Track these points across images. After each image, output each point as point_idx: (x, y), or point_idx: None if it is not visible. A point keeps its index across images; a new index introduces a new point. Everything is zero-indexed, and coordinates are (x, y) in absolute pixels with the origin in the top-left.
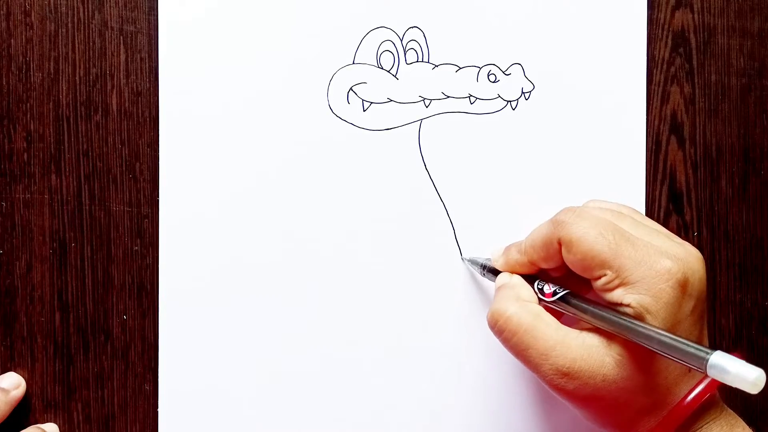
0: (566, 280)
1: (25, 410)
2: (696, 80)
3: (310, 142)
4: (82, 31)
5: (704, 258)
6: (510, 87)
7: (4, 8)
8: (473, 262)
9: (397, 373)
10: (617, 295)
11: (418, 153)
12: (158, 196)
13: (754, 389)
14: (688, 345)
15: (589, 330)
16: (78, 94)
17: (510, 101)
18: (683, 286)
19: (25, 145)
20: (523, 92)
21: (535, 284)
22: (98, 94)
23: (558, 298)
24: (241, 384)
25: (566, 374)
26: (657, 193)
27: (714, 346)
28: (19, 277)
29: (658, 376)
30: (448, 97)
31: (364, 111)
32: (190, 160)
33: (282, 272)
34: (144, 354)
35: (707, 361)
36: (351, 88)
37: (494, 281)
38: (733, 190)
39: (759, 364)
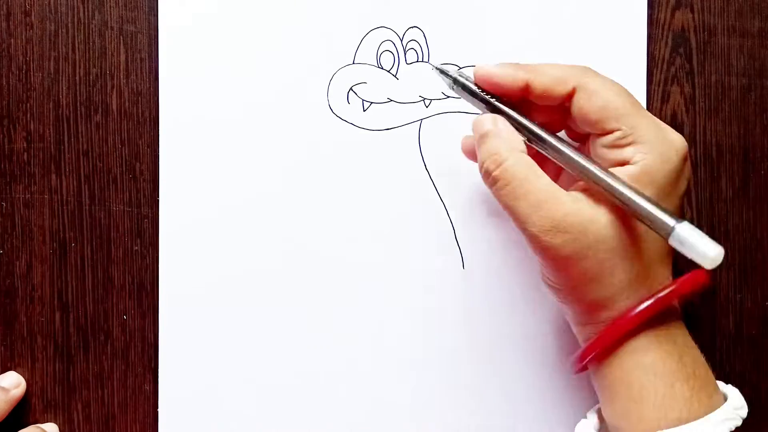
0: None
1: (25, 410)
2: (696, 80)
3: (310, 142)
4: (82, 31)
5: None
6: None
7: (4, 8)
8: (443, 71)
9: (398, 374)
10: (627, 153)
11: (418, 153)
12: (158, 196)
13: (712, 264)
14: (659, 209)
15: (579, 190)
16: (78, 94)
17: None
18: (684, 159)
19: (25, 145)
20: None
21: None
22: (98, 94)
23: (547, 147)
24: (241, 384)
25: (555, 226)
26: None
27: (714, 346)
28: (19, 277)
29: (643, 244)
30: (449, 97)
31: (364, 111)
32: (190, 160)
33: (282, 272)
34: (144, 354)
35: (673, 228)
36: (351, 88)
37: (468, 100)
38: (734, 190)
39: (759, 364)
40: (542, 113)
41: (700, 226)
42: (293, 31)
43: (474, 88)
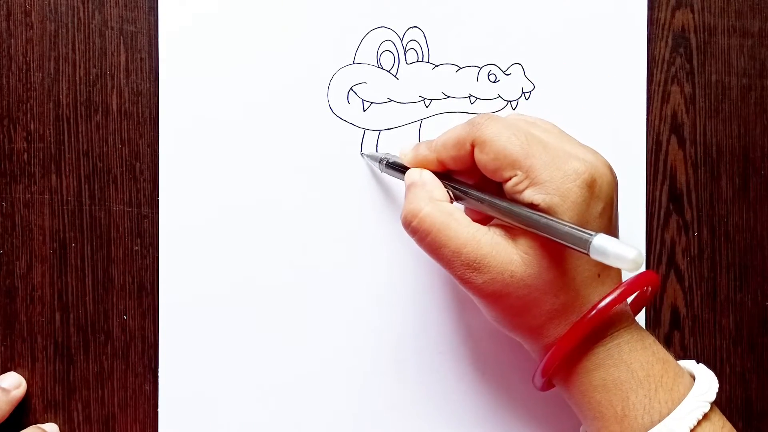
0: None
1: (25, 410)
2: (696, 80)
3: (310, 142)
4: (82, 31)
5: (705, 258)
6: (510, 87)
7: (4, 8)
8: (372, 157)
9: (396, 373)
10: (527, 196)
11: None
12: (158, 196)
13: (634, 266)
14: (573, 228)
15: (498, 226)
16: (78, 94)
17: (510, 101)
18: (591, 186)
19: (25, 145)
20: (523, 92)
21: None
22: (98, 94)
23: (464, 196)
24: (241, 384)
25: (476, 269)
26: (657, 192)
27: (714, 346)
28: (19, 277)
29: (566, 276)
30: (449, 97)
31: (364, 111)
32: (190, 160)
33: (282, 272)
34: (144, 354)
35: (590, 243)
36: (351, 88)
37: (396, 176)
38: (734, 190)
39: (759, 364)
40: (464, 175)
41: (700, 226)
42: (293, 31)
43: (402, 164)
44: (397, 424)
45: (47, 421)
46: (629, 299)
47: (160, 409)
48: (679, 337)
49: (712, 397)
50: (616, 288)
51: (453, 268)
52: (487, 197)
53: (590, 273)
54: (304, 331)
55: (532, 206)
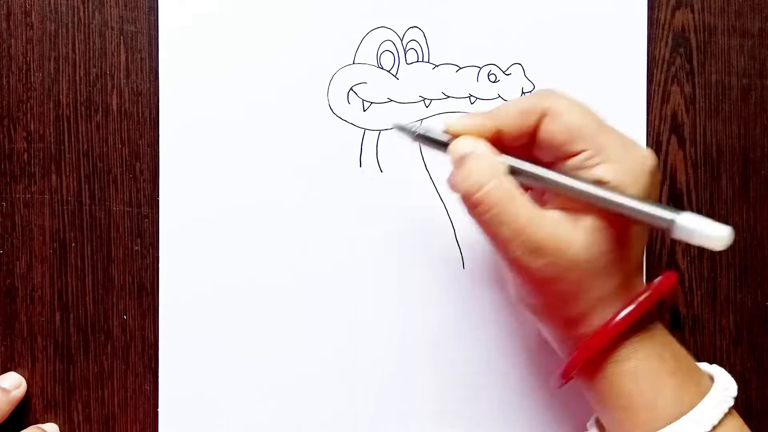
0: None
1: (25, 410)
2: (696, 80)
3: (310, 142)
4: (82, 31)
5: (705, 258)
6: (510, 87)
7: (4, 8)
8: (403, 129)
9: (397, 374)
10: (598, 172)
11: (418, 153)
12: (158, 196)
13: (723, 245)
14: (656, 205)
15: (558, 209)
16: (78, 94)
17: None
18: (654, 175)
19: (25, 145)
20: (523, 92)
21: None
22: (98, 94)
23: (514, 169)
24: (241, 384)
25: (535, 251)
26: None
27: (714, 346)
28: (19, 277)
29: (623, 260)
30: (449, 97)
31: (364, 111)
32: (190, 160)
33: (282, 272)
34: (144, 354)
35: (674, 221)
36: (351, 88)
37: (432, 147)
38: (734, 190)
39: (759, 364)
40: (517, 151)
41: None
42: (293, 31)
43: (441, 138)
44: (398, 424)
45: (47, 421)
46: None
47: (160, 409)
48: (679, 337)
49: (734, 393)
50: (663, 275)
51: (509, 248)
52: (553, 173)
53: (638, 260)
54: (304, 331)
55: (599, 183)
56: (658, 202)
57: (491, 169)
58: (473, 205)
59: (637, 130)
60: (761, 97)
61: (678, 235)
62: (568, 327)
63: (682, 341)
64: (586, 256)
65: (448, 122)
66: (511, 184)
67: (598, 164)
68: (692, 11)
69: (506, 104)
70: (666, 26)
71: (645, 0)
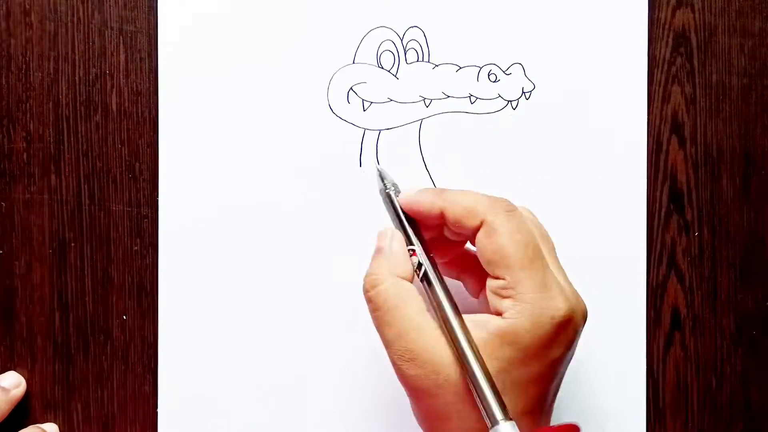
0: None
1: (25, 410)
2: (697, 80)
3: (310, 142)
4: (82, 31)
5: (706, 258)
6: (510, 87)
7: (4, 8)
8: (383, 174)
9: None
10: (504, 305)
11: (418, 153)
12: (158, 196)
13: None
14: (493, 397)
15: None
16: (78, 94)
17: (510, 101)
18: (561, 328)
19: (24, 145)
20: (523, 92)
21: (408, 248)
22: (98, 94)
23: (421, 277)
24: (241, 384)
25: (411, 359)
26: (658, 193)
27: (714, 346)
28: (19, 277)
29: None
30: (449, 96)
31: (364, 111)
32: (190, 160)
33: (282, 272)
34: (144, 354)
35: (497, 425)
36: (351, 88)
37: (387, 210)
38: (734, 190)
39: (759, 364)
40: (450, 243)
41: (701, 226)
42: (293, 31)
43: (398, 206)
44: (398, 425)
45: (47, 421)
46: None
47: (159, 410)
48: (679, 337)
49: None
50: (565, 427)
51: (390, 350)
52: (443, 301)
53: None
54: (303, 331)
55: (497, 314)
56: (498, 396)
57: (389, 271)
58: (368, 300)
59: (638, 130)
60: (762, 96)
61: None
62: None
63: (683, 341)
64: (457, 384)
65: (403, 194)
66: (405, 290)
67: (507, 297)
68: (693, 11)
69: (461, 193)
70: (666, 26)
71: (645, 0)
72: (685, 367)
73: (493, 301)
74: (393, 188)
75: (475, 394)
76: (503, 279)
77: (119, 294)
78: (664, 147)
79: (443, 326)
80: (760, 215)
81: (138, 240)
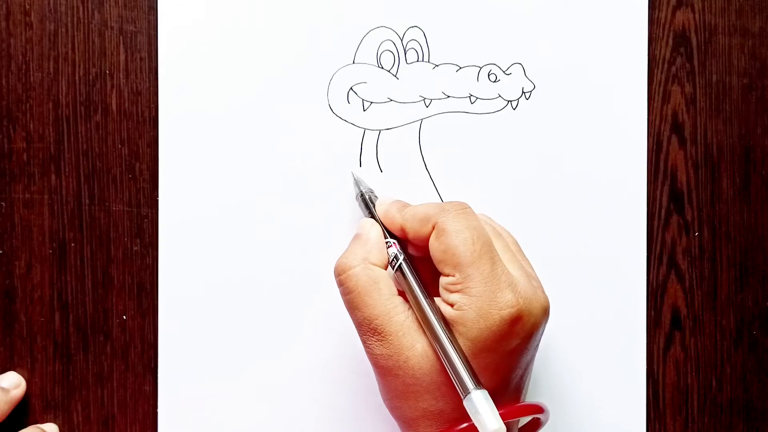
0: (426, 262)
1: (25, 410)
2: (697, 80)
3: (310, 142)
4: (82, 31)
5: (706, 258)
6: (511, 87)
7: (4, 8)
8: (358, 182)
9: None
10: (453, 298)
11: (418, 153)
12: (158, 196)
13: None
14: (465, 369)
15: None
16: (78, 94)
17: (511, 101)
18: (513, 322)
19: (24, 145)
20: (523, 92)
21: (387, 241)
22: (98, 94)
23: (396, 268)
24: (241, 384)
25: (379, 340)
26: (658, 192)
27: (714, 346)
28: (19, 277)
29: (449, 391)
30: (449, 96)
31: (364, 111)
32: (190, 160)
33: (282, 272)
34: (144, 354)
35: (470, 392)
36: (351, 88)
37: (362, 211)
38: (734, 189)
39: (759, 364)
40: (419, 251)
41: (701, 226)
42: (293, 31)
43: (374, 211)
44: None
45: (47, 421)
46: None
47: (159, 409)
48: (679, 337)
49: None
50: (506, 407)
51: (360, 331)
52: (415, 287)
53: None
54: (304, 331)
55: (450, 306)
56: (468, 367)
57: (362, 256)
58: (339, 284)
59: (638, 130)
60: (762, 96)
61: (465, 405)
62: (404, 426)
63: (683, 341)
64: (419, 364)
65: (379, 199)
66: (376, 275)
67: (456, 292)
68: (693, 11)
69: (416, 207)
70: (666, 26)
71: (645, 0)
72: (685, 367)
73: (444, 295)
74: (369, 192)
75: (447, 367)
76: (452, 276)
77: (119, 294)
78: (664, 147)
79: (415, 307)
80: (760, 215)
81: (138, 240)
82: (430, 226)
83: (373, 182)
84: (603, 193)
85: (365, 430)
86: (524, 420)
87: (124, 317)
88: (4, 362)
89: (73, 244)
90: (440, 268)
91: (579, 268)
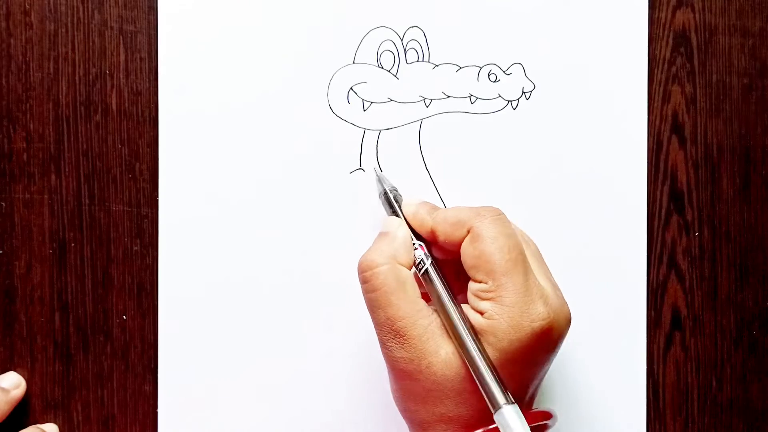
0: (450, 265)
1: (25, 410)
2: (697, 80)
3: (310, 142)
4: (82, 31)
5: (706, 258)
6: (511, 86)
7: (4, 8)
8: (382, 179)
9: None
10: (483, 306)
11: (418, 153)
12: (158, 196)
13: None
14: (496, 383)
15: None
16: (78, 94)
17: (511, 101)
18: (544, 334)
19: (24, 145)
20: (523, 92)
21: (414, 242)
22: (98, 94)
23: (422, 273)
24: (241, 384)
25: (400, 343)
26: (658, 192)
27: (714, 346)
28: (19, 277)
29: (475, 394)
30: (449, 96)
31: (364, 111)
32: (190, 160)
33: (282, 272)
34: (144, 354)
35: (501, 407)
36: (351, 88)
37: (385, 209)
38: (734, 190)
39: (760, 364)
40: (447, 255)
41: (701, 226)
42: (293, 31)
43: (399, 211)
44: (399, 422)
45: (47, 421)
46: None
47: (159, 409)
48: (679, 337)
49: None
50: (537, 413)
51: (381, 331)
52: (443, 293)
53: (490, 409)
54: (304, 330)
55: (480, 314)
56: (498, 379)
57: (390, 255)
58: (363, 281)
59: (638, 130)
60: (762, 96)
61: (496, 419)
62: (418, 428)
63: (683, 341)
64: (443, 371)
65: (406, 200)
66: (403, 276)
67: (488, 300)
68: (693, 11)
69: (449, 210)
70: (667, 26)
71: (645, 0)
72: (685, 367)
73: (474, 302)
74: (393, 191)
75: (476, 377)
76: (485, 283)
77: (119, 294)
78: (664, 147)
79: (442, 313)
80: (760, 215)
81: (138, 240)
82: (464, 231)
83: (373, 182)
84: (603, 193)
85: (366, 430)
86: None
87: (124, 317)
88: (4, 362)
89: (73, 244)
90: (472, 274)
91: (579, 268)
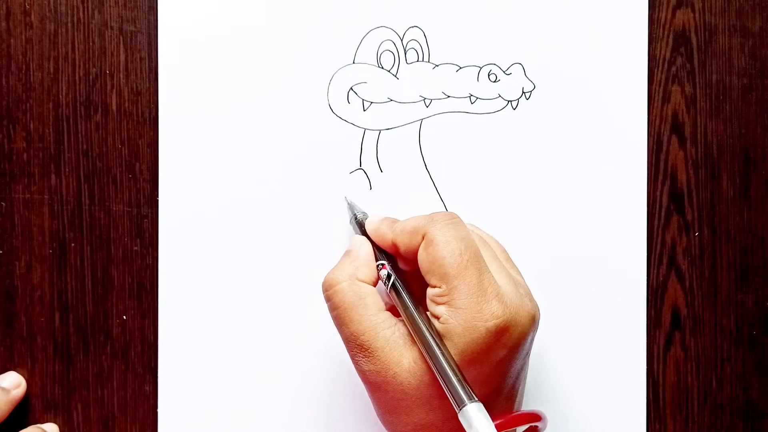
0: (417, 276)
1: (25, 410)
2: (697, 80)
3: (310, 142)
4: (82, 31)
5: (706, 258)
6: (511, 86)
7: (4, 8)
8: (352, 206)
9: None
10: (439, 311)
11: (418, 153)
12: (158, 196)
13: None
14: (458, 382)
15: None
16: (78, 94)
17: (511, 101)
18: (499, 333)
19: (24, 145)
20: (523, 92)
21: (377, 262)
22: (98, 94)
23: (389, 287)
24: (241, 384)
25: (366, 356)
26: (658, 193)
27: (714, 346)
28: (19, 277)
29: (443, 399)
30: (449, 96)
31: (364, 111)
32: (190, 160)
33: (281, 272)
34: (144, 354)
35: (465, 405)
36: (351, 88)
37: (355, 232)
38: (734, 190)
39: (759, 364)
40: (411, 265)
41: (701, 226)
42: (293, 31)
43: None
44: None
45: (47, 421)
46: None
47: (159, 409)
48: (679, 337)
49: None
50: (502, 416)
51: (348, 347)
52: (408, 303)
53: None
54: (304, 330)
55: (437, 319)
56: (462, 379)
57: (350, 273)
58: (326, 299)
59: (638, 130)
60: (762, 96)
61: (460, 419)
62: None
63: (683, 341)
64: (408, 379)
65: (369, 217)
66: (363, 291)
67: (443, 304)
68: (693, 11)
69: (409, 219)
70: (667, 26)
71: (645, 0)
72: (685, 367)
73: (431, 308)
74: (363, 216)
75: (441, 380)
76: (439, 287)
77: (119, 294)
78: (665, 147)
79: (408, 323)
80: (760, 215)
81: (138, 240)
82: (419, 238)
83: (373, 182)
84: (603, 193)
85: (365, 429)
86: (521, 428)
87: (124, 317)
88: (4, 362)
89: (73, 244)
90: (428, 279)
91: (579, 268)
